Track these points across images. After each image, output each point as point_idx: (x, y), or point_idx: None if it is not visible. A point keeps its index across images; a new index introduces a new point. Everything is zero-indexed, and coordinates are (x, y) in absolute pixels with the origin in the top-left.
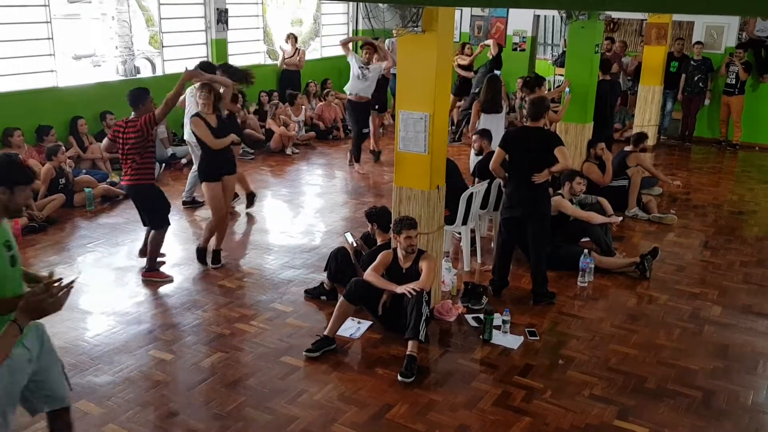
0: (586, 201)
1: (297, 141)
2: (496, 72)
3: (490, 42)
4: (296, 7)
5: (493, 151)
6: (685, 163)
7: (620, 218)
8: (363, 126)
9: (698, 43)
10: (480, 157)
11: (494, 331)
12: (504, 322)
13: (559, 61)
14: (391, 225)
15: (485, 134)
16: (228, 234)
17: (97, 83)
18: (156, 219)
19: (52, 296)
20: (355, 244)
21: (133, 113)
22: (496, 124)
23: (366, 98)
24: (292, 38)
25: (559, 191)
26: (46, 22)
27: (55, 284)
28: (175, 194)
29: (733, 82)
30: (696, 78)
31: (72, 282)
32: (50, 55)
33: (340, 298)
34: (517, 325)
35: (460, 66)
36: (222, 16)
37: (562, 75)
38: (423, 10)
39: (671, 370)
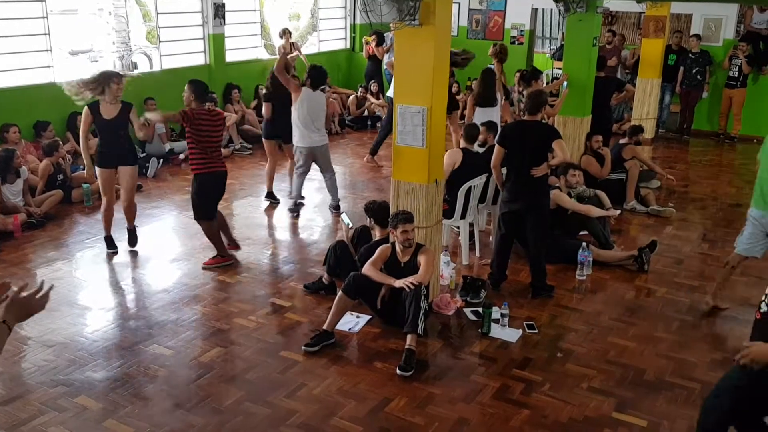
0: (584, 194)
1: None
2: (490, 65)
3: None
4: (293, 1)
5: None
6: (683, 156)
7: (618, 211)
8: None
9: (696, 35)
10: (482, 150)
11: (493, 325)
12: (503, 315)
13: (557, 55)
14: (389, 219)
15: (491, 127)
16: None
17: None
18: None
19: (37, 294)
20: (351, 225)
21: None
22: (490, 118)
23: None
24: (288, 34)
25: (557, 185)
26: (43, 18)
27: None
28: (174, 189)
29: (736, 75)
30: (694, 71)
31: (51, 286)
32: (47, 50)
33: (339, 293)
34: (516, 318)
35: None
36: (219, 11)
37: (560, 68)
38: (420, 3)
39: (669, 362)
